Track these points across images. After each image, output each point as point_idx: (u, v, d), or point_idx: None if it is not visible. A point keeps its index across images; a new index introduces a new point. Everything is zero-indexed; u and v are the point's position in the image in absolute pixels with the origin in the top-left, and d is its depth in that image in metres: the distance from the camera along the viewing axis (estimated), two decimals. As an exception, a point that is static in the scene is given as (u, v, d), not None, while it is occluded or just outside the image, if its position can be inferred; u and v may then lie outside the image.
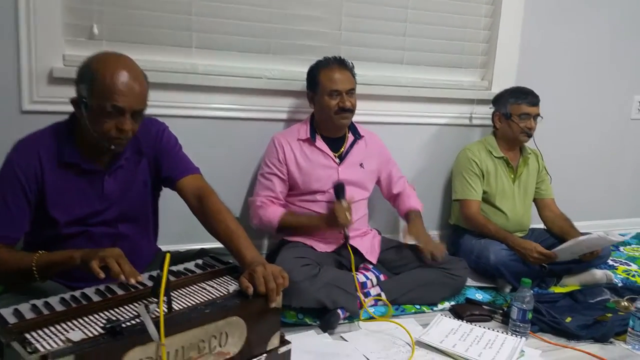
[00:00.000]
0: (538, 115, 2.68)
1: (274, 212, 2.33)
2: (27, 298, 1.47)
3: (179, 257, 1.92)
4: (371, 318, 2.13)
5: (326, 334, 2.01)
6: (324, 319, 2.04)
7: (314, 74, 2.39)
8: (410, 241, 2.43)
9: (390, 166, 2.61)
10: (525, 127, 2.66)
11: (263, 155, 2.46)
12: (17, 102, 2.18)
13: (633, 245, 3.29)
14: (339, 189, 2.29)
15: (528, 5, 3.00)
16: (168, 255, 1.32)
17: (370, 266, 2.37)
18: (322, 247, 2.35)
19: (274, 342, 1.50)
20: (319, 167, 2.38)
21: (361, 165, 2.43)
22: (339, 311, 2.06)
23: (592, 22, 3.23)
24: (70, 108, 1.94)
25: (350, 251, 2.29)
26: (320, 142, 2.41)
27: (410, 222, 2.49)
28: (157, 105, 2.07)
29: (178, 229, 2.38)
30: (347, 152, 2.44)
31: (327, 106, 2.34)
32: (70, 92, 2.14)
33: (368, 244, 2.43)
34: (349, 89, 2.35)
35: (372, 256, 2.40)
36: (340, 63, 2.38)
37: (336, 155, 2.42)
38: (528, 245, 2.48)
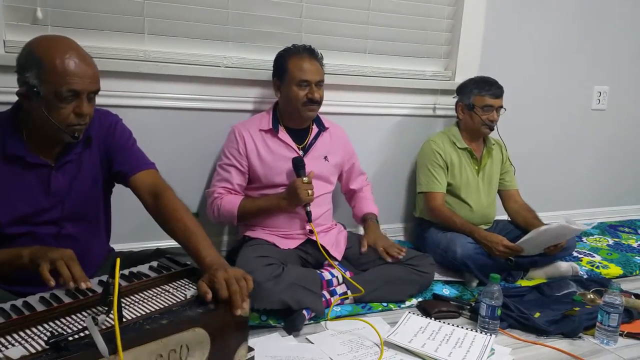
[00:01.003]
0: (501, 107, 2.64)
1: (231, 201, 2.24)
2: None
3: (132, 258, 1.80)
4: (338, 317, 2.06)
5: (291, 336, 1.92)
6: (289, 320, 1.95)
7: (282, 61, 2.29)
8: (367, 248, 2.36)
9: (353, 160, 2.55)
10: (487, 120, 2.62)
11: (222, 145, 2.36)
12: (-46, 92, 2.01)
13: (595, 236, 3.31)
14: (299, 164, 2.23)
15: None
16: (118, 260, 1.20)
17: (336, 263, 2.29)
18: (285, 243, 2.26)
19: (241, 353, 1.39)
20: (281, 159, 2.28)
21: (325, 158, 2.35)
22: (304, 312, 1.97)
23: (555, 12, 3.22)
24: (11, 98, 1.80)
25: (318, 240, 2.22)
26: (283, 134, 2.32)
27: (367, 228, 2.46)
28: (108, 95, 1.94)
29: (131, 227, 2.27)
30: (311, 144, 2.35)
31: (294, 96, 2.24)
32: (14, 80, 2.00)
33: (333, 240, 2.35)
34: (318, 80, 2.26)
35: (337, 252, 2.33)
36: (310, 53, 2.29)
37: (300, 147, 2.33)
38: (494, 238, 2.45)
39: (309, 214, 2.21)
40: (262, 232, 2.28)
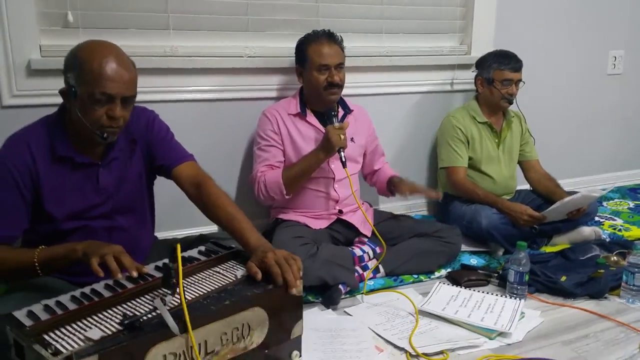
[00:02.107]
0: (520, 80, 2.70)
1: (274, 174, 2.29)
2: (34, 297, 1.46)
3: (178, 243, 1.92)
4: (372, 290, 2.16)
5: (330, 309, 2.03)
6: (327, 295, 2.06)
7: (303, 48, 2.35)
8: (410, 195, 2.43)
9: (377, 141, 2.62)
10: (506, 93, 2.67)
11: (255, 130, 2.43)
12: (-4, 97, 2.12)
13: (616, 200, 3.37)
14: (330, 113, 2.29)
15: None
16: (179, 246, 1.31)
17: (366, 239, 2.38)
18: (316, 224, 2.36)
19: (298, 330, 1.50)
20: (311, 141, 2.36)
21: (352, 139, 2.42)
22: (340, 286, 2.08)
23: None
24: (52, 99, 1.91)
25: (351, 181, 2.30)
26: (311, 117, 2.39)
27: (398, 180, 2.44)
28: (139, 91, 2.03)
29: (172, 215, 2.37)
30: (331, 123, 2.38)
31: (315, 81, 2.31)
32: (50, 83, 2.12)
33: (362, 218, 2.44)
34: (338, 64, 2.32)
35: (366, 229, 2.42)
36: (329, 37, 2.34)
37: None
38: (518, 208, 2.52)
39: (343, 162, 2.24)
40: (294, 214, 2.38)
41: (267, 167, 2.33)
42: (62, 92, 1.62)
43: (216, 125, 2.52)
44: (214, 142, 2.51)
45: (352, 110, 2.49)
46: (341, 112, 2.45)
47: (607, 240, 2.65)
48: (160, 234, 2.07)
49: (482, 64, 2.75)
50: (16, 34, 2.08)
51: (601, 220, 2.97)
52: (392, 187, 2.44)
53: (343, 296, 2.09)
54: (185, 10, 2.38)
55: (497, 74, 2.67)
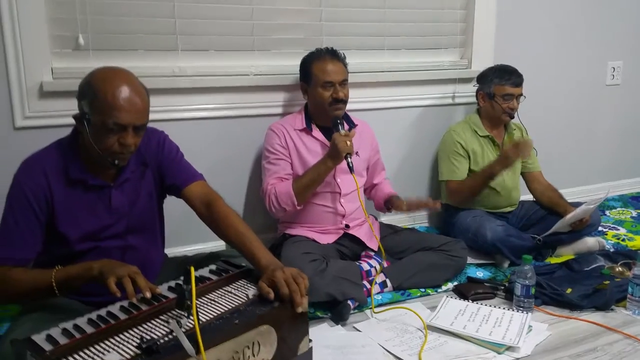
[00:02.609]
0: (521, 95, 2.73)
1: (285, 186, 2.32)
2: (49, 319, 1.50)
3: (188, 263, 1.94)
4: (380, 305, 2.18)
5: (339, 325, 2.05)
6: (336, 310, 2.08)
7: (307, 66, 2.40)
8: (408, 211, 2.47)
9: (378, 155, 2.66)
10: (507, 108, 2.71)
11: (263, 145, 2.47)
12: (9, 120, 2.17)
13: (618, 209, 3.40)
14: (336, 121, 2.34)
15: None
16: (192, 269, 1.34)
17: (372, 253, 2.41)
18: (323, 238, 2.39)
19: (304, 346, 1.53)
20: (317, 155, 2.39)
21: (357, 153, 2.45)
22: (349, 302, 2.10)
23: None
24: (63, 120, 1.97)
25: (358, 187, 2.36)
26: (316, 132, 2.44)
27: (396, 199, 2.50)
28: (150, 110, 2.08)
29: (180, 231, 2.40)
30: (337, 131, 2.38)
31: (320, 98, 2.36)
32: (61, 104, 2.17)
33: (367, 232, 2.47)
34: (342, 80, 2.37)
35: (372, 243, 2.45)
36: (332, 54, 2.40)
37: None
38: (503, 155, 2.58)
39: (350, 165, 2.29)
40: (301, 229, 2.41)
41: (276, 179, 2.36)
42: (75, 118, 1.65)
43: (224, 142, 2.56)
44: (222, 158, 2.56)
45: (356, 125, 2.53)
46: (345, 127, 2.45)
47: (611, 250, 2.68)
48: (169, 250, 2.10)
49: (484, 78, 2.79)
50: (29, 57, 2.13)
51: (605, 230, 2.99)
52: (390, 205, 2.51)
53: (352, 311, 2.12)
54: (192, 32, 2.43)
55: (498, 88, 2.70)
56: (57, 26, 2.20)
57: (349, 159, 2.28)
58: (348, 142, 2.25)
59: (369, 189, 2.69)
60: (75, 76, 2.10)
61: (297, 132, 2.43)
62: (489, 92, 2.73)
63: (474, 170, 2.78)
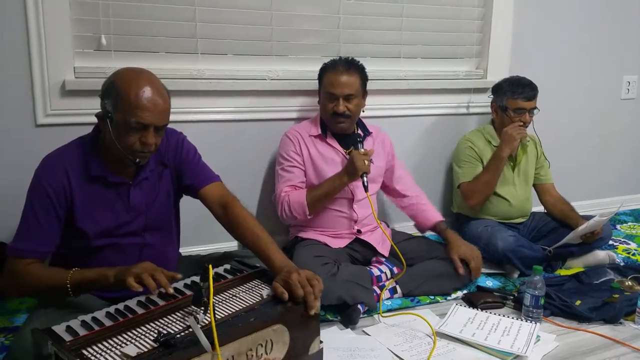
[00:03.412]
0: (534, 108, 2.74)
1: (298, 194, 2.35)
2: (66, 313, 1.54)
3: (203, 261, 1.99)
4: (389, 310, 2.21)
5: (348, 329, 2.07)
6: (346, 314, 2.10)
7: (321, 73, 2.44)
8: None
9: (393, 161, 2.66)
10: (519, 122, 2.71)
11: (277, 150, 2.50)
12: (31, 116, 2.22)
13: (630, 223, 3.40)
14: (356, 138, 2.37)
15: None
16: (210, 267, 1.37)
17: (383, 259, 2.43)
18: (335, 243, 2.42)
19: (315, 347, 1.56)
20: (331, 162, 2.43)
21: (370, 160, 2.46)
22: (359, 306, 2.12)
23: (581, 5, 3.31)
24: (84, 119, 2.02)
25: (371, 203, 2.38)
26: (331, 139, 2.46)
27: (448, 240, 2.46)
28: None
29: (194, 231, 2.44)
30: (357, 149, 2.43)
31: (323, 108, 2.42)
32: (82, 103, 2.22)
33: (379, 237, 2.49)
34: (347, 94, 2.36)
35: (384, 249, 2.47)
36: (347, 65, 2.39)
37: (347, 151, 2.45)
38: (506, 136, 2.65)
39: (365, 185, 2.32)
40: (314, 232, 2.44)
41: (290, 187, 2.39)
42: (98, 116, 1.70)
43: (240, 144, 2.61)
44: (237, 160, 2.60)
45: (371, 133, 2.56)
46: (365, 146, 2.46)
47: (622, 264, 2.68)
48: (182, 249, 2.12)
49: (497, 90, 2.80)
50: (52, 56, 2.19)
51: (615, 244, 3.00)
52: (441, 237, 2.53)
53: (361, 315, 2.14)
54: (212, 36, 2.48)
55: (510, 102, 2.72)
56: (81, 27, 2.25)
57: (364, 177, 2.31)
58: (366, 162, 2.28)
59: (397, 198, 2.68)
60: (96, 76, 2.18)
61: (312, 138, 2.45)
62: (502, 105, 2.74)
63: None
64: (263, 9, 2.55)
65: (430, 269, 2.38)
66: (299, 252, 2.29)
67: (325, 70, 2.42)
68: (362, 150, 2.33)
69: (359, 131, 2.51)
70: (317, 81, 2.49)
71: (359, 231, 2.46)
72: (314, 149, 2.44)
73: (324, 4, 2.69)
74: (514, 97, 2.71)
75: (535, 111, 2.75)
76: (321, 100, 2.44)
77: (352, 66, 2.40)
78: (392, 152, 2.66)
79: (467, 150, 2.80)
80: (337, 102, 2.35)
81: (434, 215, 2.59)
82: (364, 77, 2.44)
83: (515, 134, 2.61)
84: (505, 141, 2.64)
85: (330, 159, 2.44)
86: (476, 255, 2.40)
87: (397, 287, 2.31)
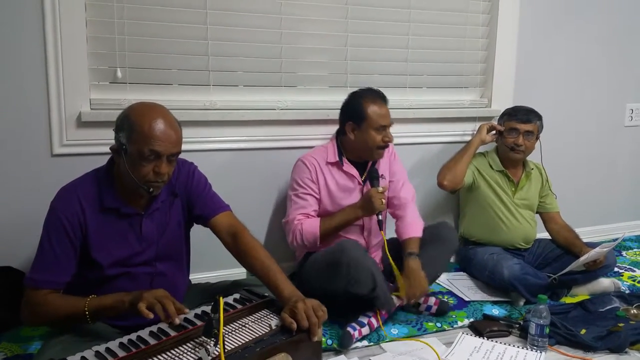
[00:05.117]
0: (530, 132, 2.78)
1: (312, 223, 2.36)
2: (79, 341, 1.59)
3: (211, 290, 2.03)
4: (395, 339, 2.23)
5: (356, 358, 2.09)
6: (341, 338, 2.13)
7: (358, 106, 2.40)
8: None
9: (399, 175, 2.63)
10: (512, 143, 2.78)
11: (291, 176, 2.50)
12: (47, 146, 2.28)
13: (635, 250, 3.42)
14: (373, 175, 2.39)
15: (522, 24, 3.14)
16: (222, 299, 1.41)
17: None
18: None
19: (317, 371, 1.60)
20: (346, 190, 2.45)
21: (382, 176, 2.50)
22: (349, 329, 2.15)
23: (584, 34, 3.37)
24: (98, 149, 2.08)
25: (385, 243, 2.35)
26: (347, 166, 2.47)
27: (406, 269, 2.34)
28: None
29: (203, 258, 2.46)
30: (371, 171, 2.47)
31: (372, 140, 2.39)
32: (97, 134, 2.28)
33: (380, 257, 2.55)
34: (391, 124, 2.44)
35: (380, 264, 2.50)
36: (383, 98, 2.44)
37: (362, 175, 2.49)
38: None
39: (380, 222, 2.34)
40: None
41: (303, 215, 2.40)
42: (112, 149, 1.76)
43: (250, 172, 2.67)
44: (248, 187, 2.66)
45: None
46: (381, 183, 2.47)
47: (627, 292, 2.69)
48: (191, 276, 2.16)
49: (501, 117, 2.90)
50: (69, 88, 2.27)
51: (620, 271, 3.01)
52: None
53: (367, 344, 2.16)
54: (224, 68, 2.55)
55: (506, 124, 2.82)
56: (97, 60, 2.33)
57: (379, 216, 2.33)
58: (383, 200, 2.31)
59: (394, 202, 2.61)
60: (112, 107, 2.26)
61: (329, 165, 2.46)
62: (501, 130, 2.83)
63: (487, 196, 2.86)
64: (273, 42, 2.63)
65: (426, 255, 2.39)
66: (314, 256, 2.35)
67: (365, 103, 2.39)
68: (380, 188, 2.34)
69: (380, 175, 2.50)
70: (326, 111, 2.58)
71: (380, 222, 2.42)
72: (330, 176, 2.45)
73: (332, 36, 2.76)
74: (509, 119, 2.81)
75: (531, 136, 2.80)
76: (362, 132, 2.40)
77: (385, 99, 2.46)
78: (397, 166, 2.63)
79: (471, 167, 2.86)
80: (387, 132, 2.40)
81: (409, 229, 2.50)
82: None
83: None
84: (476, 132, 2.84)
85: (345, 186, 2.46)
86: (421, 291, 2.32)
87: (394, 297, 2.32)
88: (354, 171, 2.48)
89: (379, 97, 2.43)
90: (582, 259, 2.55)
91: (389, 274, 2.41)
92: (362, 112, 2.39)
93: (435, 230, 2.51)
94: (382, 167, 2.55)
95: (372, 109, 2.39)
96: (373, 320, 2.25)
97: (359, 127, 2.41)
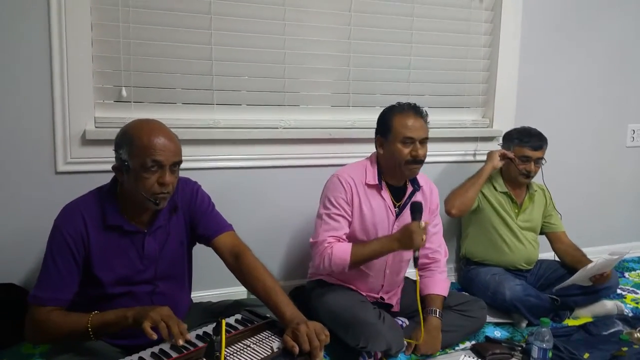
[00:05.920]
0: (540, 158, 2.80)
1: (343, 249, 2.20)
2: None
3: (212, 310, 2.02)
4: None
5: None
6: None
7: (387, 119, 2.28)
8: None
9: (435, 221, 2.52)
10: (524, 169, 2.78)
11: (323, 192, 2.34)
12: (52, 164, 2.30)
13: (638, 271, 3.40)
14: (417, 208, 2.18)
15: (524, 45, 3.16)
16: (224, 322, 1.41)
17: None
18: (364, 291, 2.37)
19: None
20: (379, 216, 2.30)
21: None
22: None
23: (585, 55, 3.39)
24: (101, 167, 2.09)
25: (418, 282, 2.27)
26: (385, 191, 2.32)
27: (426, 326, 2.27)
28: (186, 159, 2.17)
29: (203, 276, 2.46)
30: (405, 204, 2.34)
31: (399, 154, 2.23)
32: (101, 152, 2.29)
33: (397, 298, 2.50)
34: (423, 138, 2.26)
35: (397, 306, 2.48)
36: (415, 110, 2.27)
37: (396, 205, 2.34)
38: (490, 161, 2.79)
39: (416, 259, 2.16)
40: (337, 281, 2.36)
41: (334, 238, 2.23)
42: (114, 168, 1.77)
43: (254, 190, 2.67)
44: (251, 205, 2.66)
45: (422, 187, 2.41)
46: (409, 189, 2.38)
47: (630, 315, 2.68)
48: (192, 294, 2.15)
49: (507, 138, 2.88)
50: (74, 106, 2.29)
51: (623, 293, 3.00)
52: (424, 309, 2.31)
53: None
54: (228, 87, 2.58)
55: (517, 150, 2.79)
56: (102, 79, 2.36)
57: (416, 253, 2.15)
58: (423, 237, 2.12)
59: (426, 250, 2.47)
60: (116, 126, 2.25)
61: (366, 187, 2.30)
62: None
63: (490, 218, 2.85)
64: (276, 62, 2.65)
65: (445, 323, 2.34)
66: (335, 294, 2.27)
67: (392, 115, 2.27)
68: (422, 223, 2.13)
69: (409, 184, 2.39)
70: (329, 130, 2.60)
71: (382, 298, 2.41)
72: (365, 199, 2.29)
73: (334, 56, 2.78)
74: (521, 145, 2.78)
75: (542, 161, 2.80)
76: (389, 146, 2.26)
77: (419, 111, 2.29)
78: (435, 210, 2.52)
79: None
80: (415, 146, 2.22)
81: (434, 286, 2.42)
82: (427, 123, 2.31)
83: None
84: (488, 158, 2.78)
85: (377, 211, 2.29)
86: (432, 352, 2.26)
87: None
88: (388, 197, 2.32)
89: (410, 109, 2.27)
90: (589, 267, 2.51)
91: (405, 313, 2.38)
92: (388, 123, 2.27)
93: (468, 306, 2.42)
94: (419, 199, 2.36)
95: (398, 120, 2.24)
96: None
97: (386, 139, 2.27)
